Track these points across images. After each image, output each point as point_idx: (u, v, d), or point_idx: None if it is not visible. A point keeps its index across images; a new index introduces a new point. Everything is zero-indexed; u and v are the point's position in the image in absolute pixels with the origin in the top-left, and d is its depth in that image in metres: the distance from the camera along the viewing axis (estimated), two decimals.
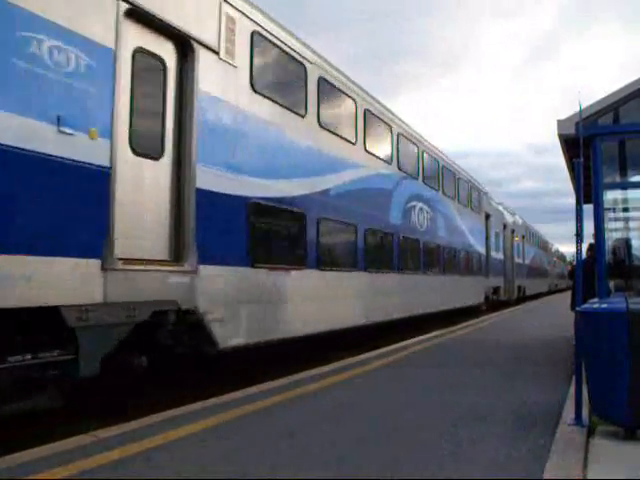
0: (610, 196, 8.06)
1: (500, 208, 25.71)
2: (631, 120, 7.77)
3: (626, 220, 9.35)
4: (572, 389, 5.72)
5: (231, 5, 7.29)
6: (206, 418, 5.05)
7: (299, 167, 9.01)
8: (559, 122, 7.86)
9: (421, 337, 12.18)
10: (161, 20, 6.13)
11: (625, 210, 9.11)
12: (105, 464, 3.81)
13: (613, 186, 8.40)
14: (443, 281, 16.52)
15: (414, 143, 14.61)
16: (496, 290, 23.34)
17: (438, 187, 16.44)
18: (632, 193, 8.91)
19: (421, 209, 14.64)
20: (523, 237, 31.55)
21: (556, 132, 7.94)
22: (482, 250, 21.35)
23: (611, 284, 7.77)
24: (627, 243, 9.15)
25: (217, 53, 7.01)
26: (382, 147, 12.63)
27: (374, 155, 11.87)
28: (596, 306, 4.85)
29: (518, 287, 28.39)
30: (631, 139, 7.79)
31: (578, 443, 4.31)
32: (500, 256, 24.47)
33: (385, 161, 12.47)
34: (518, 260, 29.21)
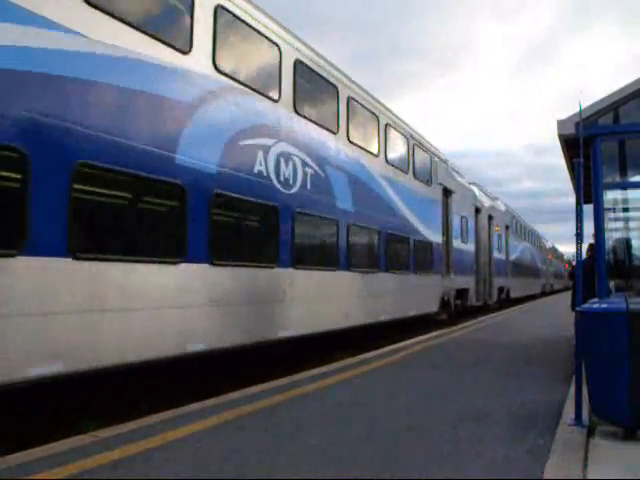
0: (610, 196, 8.07)
1: (471, 187, 20.37)
2: (631, 120, 7.77)
3: (626, 220, 9.35)
4: (572, 389, 5.72)
5: None
6: (205, 418, 5.05)
7: None
8: (559, 122, 7.86)
9: (420, 337, 12.18)
10: None
11: (625, 210, 9.11)
12: (105, 464, 3.80)
13: (613, 186, 8.41)
14: (347, 281, 10.54)
15: (272, 42, 8.55)
16: (462, 293, 17.79)
17: (337, 130, 10.41)
18: (632, 193, 8.92)
19: (290, 158, 8.80)
20: (507, 228, 26.44)
21: (556, 132, 7.94)
22: (436, 238, 15.42)
23: (611, 284, 7.77)
24: (627, 243, 9.16)
25: None
26: (177, 27, 6.85)
27: (153, 36, 6.33)
28: (596, 306, 4.85)
29: (499, 289, 23.66)
30: (631, 139, 7.80)
31: (578, 443, 4.31)
32: (469, 248, 18.79)
33: (181, 51, 6.69)
34: (499, 255, 24.01)
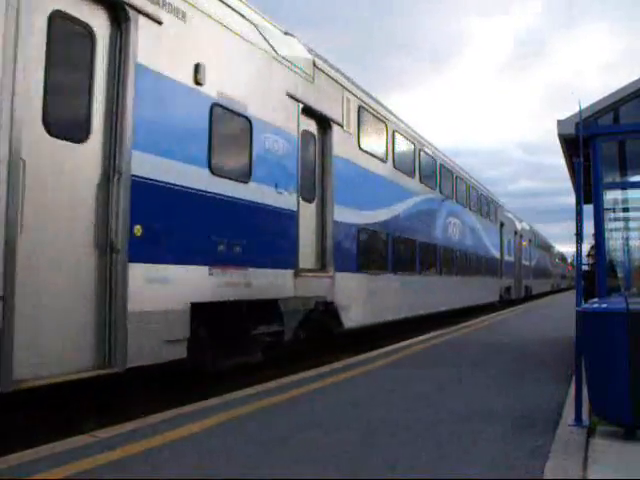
0: (610, 196, 8.07)
1: (511, 216, 28.53)
2: (631, 120, 7.76)
3: (626, 220, 9.35)
4: (572, 389, 5.72)
5: None
6: (206, 418, 5.05)
7: None
8: (559, 122, 7.85)
9: (421, 337, 12.15)
10: None
11: (625, 210, 9.11)
12: (105, 464, 3.80)
13: (613, 186, 8.41)
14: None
15: None
16: (508, 289, 26.52)
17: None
18: (632, 193, 8.92)
19: None
20: (530, 241, 34.78)
21: (556, 132, 7.93)
22: (497, 254, 24.15)
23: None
24: (627, 243, 9.16)
25: None
26: None
27: None
28: (596, 306, 4.85)
29: (525, 287, 31.86)
30: (631, 139, 7.80)
31: (578, 443, 4.30)
32: (511, 259, 27.59)
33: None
34: (525, 262, 32.47)
